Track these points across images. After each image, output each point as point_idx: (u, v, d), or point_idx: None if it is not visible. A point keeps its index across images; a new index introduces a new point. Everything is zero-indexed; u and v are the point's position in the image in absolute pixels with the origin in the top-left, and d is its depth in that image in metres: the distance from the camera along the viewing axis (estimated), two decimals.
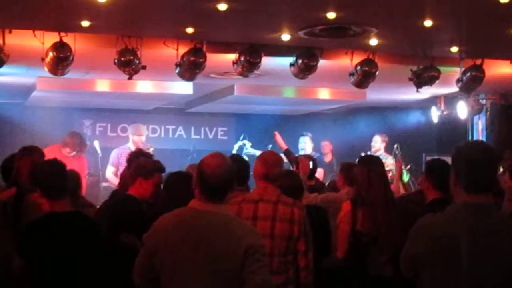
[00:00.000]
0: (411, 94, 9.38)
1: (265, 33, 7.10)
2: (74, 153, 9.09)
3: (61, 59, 6.85)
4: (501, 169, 4.65)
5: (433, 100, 11.45)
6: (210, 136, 12.84)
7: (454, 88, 8.90)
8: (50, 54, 6.81)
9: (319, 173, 8.60)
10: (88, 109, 11.79)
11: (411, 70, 8.15)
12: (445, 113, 11.45)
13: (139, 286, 3.44)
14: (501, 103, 11.16)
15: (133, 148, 9.31)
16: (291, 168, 6.85)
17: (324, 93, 10.70)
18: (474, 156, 2.85)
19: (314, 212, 5.05)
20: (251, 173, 4.90)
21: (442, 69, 8.18)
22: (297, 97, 10.77)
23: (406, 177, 8.67)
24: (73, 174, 5.41)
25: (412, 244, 2.93)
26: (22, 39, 6.91)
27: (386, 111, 12.43)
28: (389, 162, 8.85)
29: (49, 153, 5.58)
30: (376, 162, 5.38)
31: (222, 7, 5.88)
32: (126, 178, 5.31)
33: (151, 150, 8.65)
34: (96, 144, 9.81)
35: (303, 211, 4.43)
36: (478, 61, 8.18)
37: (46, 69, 7.10)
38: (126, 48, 7.05)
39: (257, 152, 9.53)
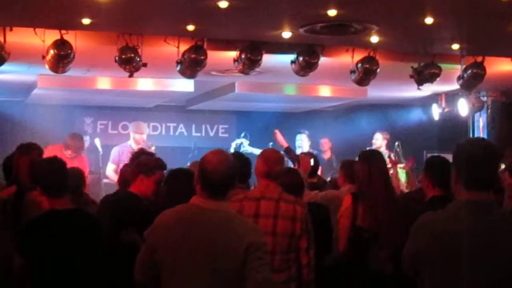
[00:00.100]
0: (412, 91, 9.38)
1: (266, 30, 7.10)
2: (75, 154, 9.08)
3: (62, 57, 6.85)
4: (503, 166, 4.64)
5: (434, 97, 11.46)
6: (211, 134, 12.85)
7: (455, 86, 8.89)
8: (51, 51, 6.82)
9: None
10: (89, 107, 11.80)
11: (412, 67, 8.15)
12: (446, 110, 11.45)
13: (140, 283, 3.44)
14: (502, 100, 11.15)
15: (134, 146, 9.33)
16: (293, 166, 6.84)
17: (325, 91, 10.70)
18: (475, 153, 2.84)
19: (316, 210, 5.04)
20: (252, 170, 4.91)
21: (443, 66, 8.18)
22: (298, 95, 10.77)
23: (402, 176, 8.64)
24: (76, 172, 5.42)
25: (413, 242, 2.93)
26: (23, 37, 6.91)
27: (387, 108, 12.43)
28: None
29: (51, 154, 5.56)
30: (377, 157, 5.33)
31: (223, 4, 5.88)
32: (126, 174, 5.32)
33: (152, 149, 8.68)
34: (97, 141, 9.82)
35: (305, 209, 4.43)
36: (479, 59, 8.17)
37: (47, 66, 7.11)
38: (127, 46, 7.05)
39: (255, 150, 9.56)
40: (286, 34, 7.12)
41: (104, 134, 11.58)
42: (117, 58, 7.03)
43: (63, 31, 6.79)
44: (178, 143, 12.22)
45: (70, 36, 6.83)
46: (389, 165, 7.68)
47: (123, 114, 12.03)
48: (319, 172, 8.53)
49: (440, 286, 2.83)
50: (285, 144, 7.93)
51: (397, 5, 6.17)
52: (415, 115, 12.56)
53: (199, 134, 12.64)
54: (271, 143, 8.64)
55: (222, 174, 3.27)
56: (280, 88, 10.53)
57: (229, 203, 3.52)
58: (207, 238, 3.18)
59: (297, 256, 4.36)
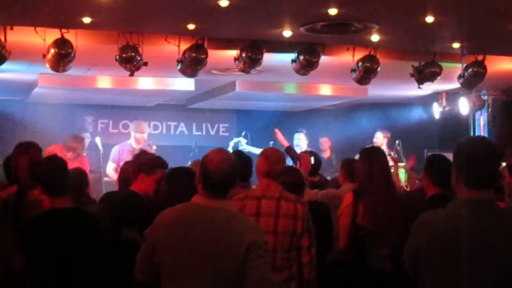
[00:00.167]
0: (412, 90, 9.37)
1: (266, 29, 7.10)
2: (75, 156, 9.07)
3: (62, 56, 6.86)
4: (504, 165, 4.63)
5: (435, 96, 11.46)
6: (212, 133, 12.85)
7: (456, 84, 8.89)
8: (52, 50, 6.82)
9: None
10: (89, 106, 11.80)
11: (413, 66, 8.14)
12: (446, 109, 11.45)
13: (140, 281, 3.43)
14: (503, 99, 11.14)
15: (134, 145, 9.35)
16: (295, 165, 6.84)
17: (325, 89, 10.70)
18: (476, 152, 2.84)
19: (316, 208, 5.04)
20: (253, 169, 4.91)
21: (444, 65, 8.18)
22: (298, 94, 10.77)
23: (403, 176, 8.64)
24: (78, 171, 5.43)
25: (413, 241, 2.92)
26: (23, 36, 6.91)
27: (388, 107, 12.42)
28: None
29: (51, 154, 5.56)
30: (377, 154, 5.29)
31: (224, 3, 5.89)
32: (126, 173, 5.32)
33: (153, 148, 8.68)
34: (98, 140, 9.81)
35: (306, 207, 4.44)
36: (480, 57, 8.17)
37: (47, 65, 7.11)
38: (127, 45, 7.05)
39: (253, 149, 9.57)
40: (287, 33, 7.12)
41: (104, 133, 11.58)
42: (117, 57, 7.03)
43: (63, 30, 6.80)
44: (179, 142, 12.23)
45: (70, 35, 6.84)
46: (391, 163, 7.71)
47: (124, 113, 12.03)
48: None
49: (440, 285, 2.82)
50: (285, 143, 7.93)
51: (397, 4, 6.17)
52: (416, 114, 12.56)
53: (199, 133, 12.64)
54: (271, 142, 8.64)
55: (224, 173, 3.26)
56: (280, 87, 10.53)
57: (230, 202, 3.51)
58: (208, 237, 3.17)
59: (298, 255, 4.37)
